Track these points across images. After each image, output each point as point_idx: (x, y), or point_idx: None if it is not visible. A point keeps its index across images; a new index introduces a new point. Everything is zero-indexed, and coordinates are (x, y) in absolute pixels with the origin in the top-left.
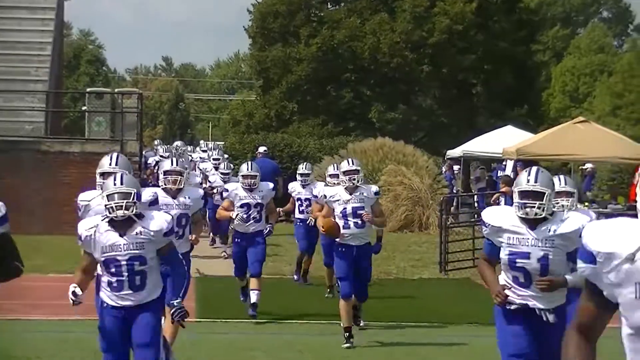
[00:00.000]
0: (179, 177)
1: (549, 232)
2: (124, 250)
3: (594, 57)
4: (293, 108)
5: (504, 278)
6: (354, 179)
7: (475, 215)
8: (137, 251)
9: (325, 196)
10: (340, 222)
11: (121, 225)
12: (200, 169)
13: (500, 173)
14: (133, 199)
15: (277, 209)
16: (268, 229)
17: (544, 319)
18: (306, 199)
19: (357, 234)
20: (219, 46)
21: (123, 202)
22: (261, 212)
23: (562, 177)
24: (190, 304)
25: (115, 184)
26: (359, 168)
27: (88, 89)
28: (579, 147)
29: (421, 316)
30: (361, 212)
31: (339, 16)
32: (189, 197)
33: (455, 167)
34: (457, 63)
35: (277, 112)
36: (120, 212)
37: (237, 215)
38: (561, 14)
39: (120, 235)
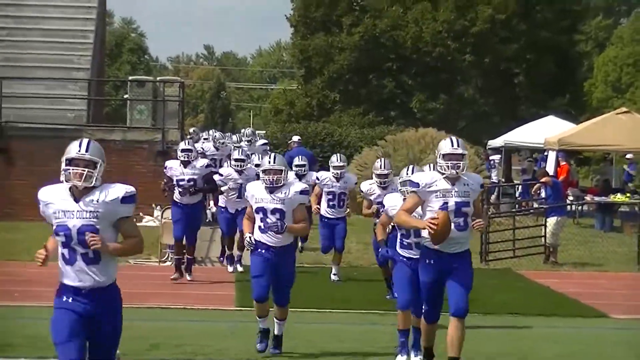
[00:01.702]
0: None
1: None
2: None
3: (636, 47)
4: (334, 97)
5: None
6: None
7: (517, 206)
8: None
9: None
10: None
11: None
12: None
13: (542, 164)
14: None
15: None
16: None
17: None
18: (341, 194)
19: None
20: (261, 35)
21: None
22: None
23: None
24: (230, 292)
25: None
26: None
27: (130, 77)
28: (621, 138)
29: None
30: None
31: (381, 5)
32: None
33: (496, 157)
34: (499, 52)
35: (319, 101)
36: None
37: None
38: (603, 4)
39: None
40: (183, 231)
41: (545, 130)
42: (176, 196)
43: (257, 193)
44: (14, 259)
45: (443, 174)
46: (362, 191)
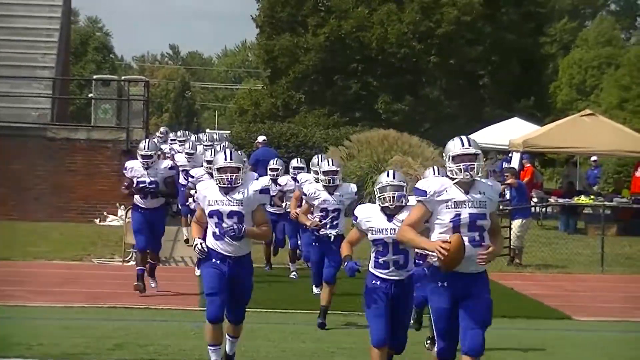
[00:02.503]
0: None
1: None
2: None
3: (601, 50)
4: (300, 98)
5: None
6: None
7: None
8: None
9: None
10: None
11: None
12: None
13: (505, 165)
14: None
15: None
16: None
17: None
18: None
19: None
20: (226, 35)
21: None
22: None
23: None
24: (194, 292)
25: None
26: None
27: (95, 76)
28: (586, 140)
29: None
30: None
31: (346, 6)
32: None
33: None
34: (465, 54)
35: (284, 101)
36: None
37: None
38: (569, 6)
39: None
40: (147, 241)
41: (510, 132)
42: (137, 199)
43: (210, 194)
44: None
45: (454, 179)
46: (304, 194)
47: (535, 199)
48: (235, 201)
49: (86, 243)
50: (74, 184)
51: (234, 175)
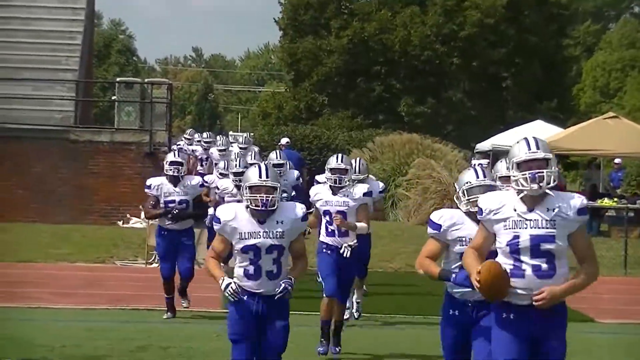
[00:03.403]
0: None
1: None
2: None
3: (625, 53)
4: (323, 100)
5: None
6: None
7: None
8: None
9: None
10: None
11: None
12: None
13: None
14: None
15: None
16: None
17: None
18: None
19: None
20: (249, 37)
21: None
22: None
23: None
24: (216, 295)
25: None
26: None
27: (118, 79)
28: (609, 143)
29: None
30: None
31: (370, 8)
32: None
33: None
34: (488, 56)
35: (307, 104)
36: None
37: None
38: (592, 8)
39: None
40: (173, 269)
41: (533, 134)
42: (160, 222)
43: (241, 225)
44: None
45: (520, 191)
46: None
47: None
48: (275, 233)
49: (109, 245)
50: (96, 187)
51: (270, 196)
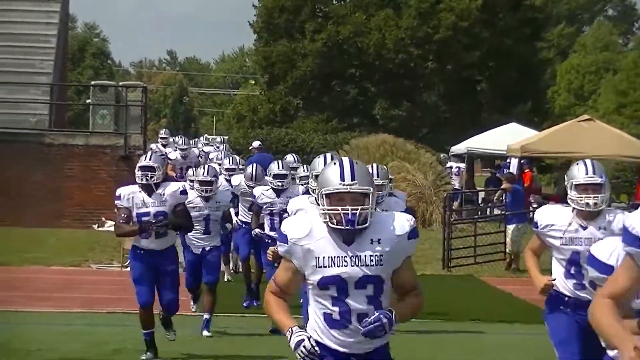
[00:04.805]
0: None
1: None
2: None
3: (599, 55)
4: (298, 103)
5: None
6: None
7: (479, 212)
8: None
9: None
10: None
11: None
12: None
13: (505, 171)
14: None
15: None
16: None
17: None
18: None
19: None
20: (224, 40)
21: None
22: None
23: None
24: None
25: None
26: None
27: (92, 82)
28: (583, 145)
29: (423, 312)
30: None
31: (344, 12)
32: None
33: (461, 165)
34: (462, 60)
35: (282, 107)
36: None
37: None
38: (566, 11)
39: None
40: (152, 293)
41: (507, 137)
42: (135, 240)
43: (318, 247)
44: None
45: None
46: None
47: (535, 205)
48: (367, 259)
49: (84, 248)
50: (71, 190)
51: (359, 207)
